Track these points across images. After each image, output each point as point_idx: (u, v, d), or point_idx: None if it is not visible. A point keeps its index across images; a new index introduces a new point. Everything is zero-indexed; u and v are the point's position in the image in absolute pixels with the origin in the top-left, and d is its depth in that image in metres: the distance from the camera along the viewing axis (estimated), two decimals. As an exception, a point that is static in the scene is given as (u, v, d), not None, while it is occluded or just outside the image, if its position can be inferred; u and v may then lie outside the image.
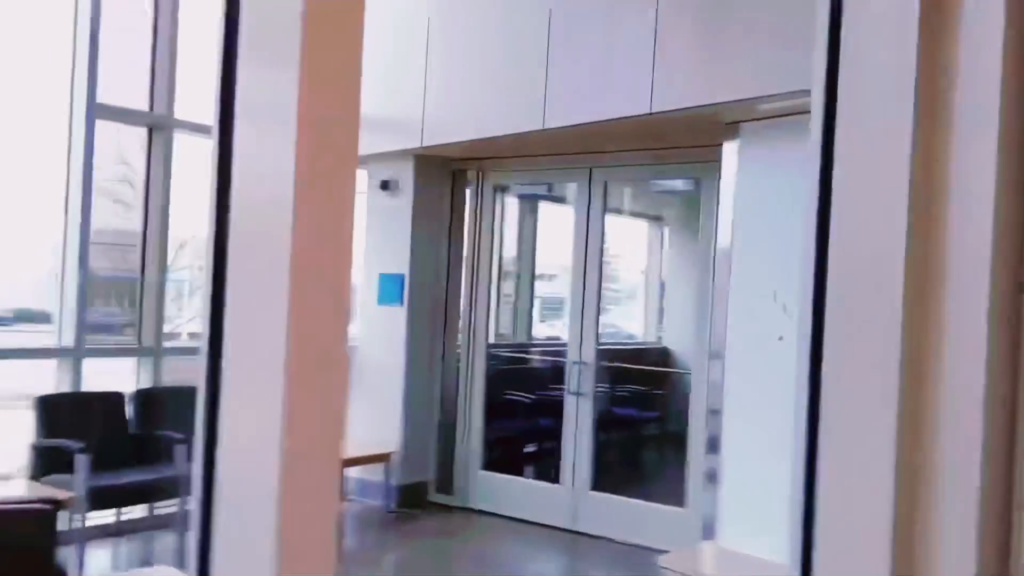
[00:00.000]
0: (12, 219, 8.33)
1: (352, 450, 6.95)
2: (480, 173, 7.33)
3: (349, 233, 1.17)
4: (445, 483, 7.29)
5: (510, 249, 8.01)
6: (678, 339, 7.75)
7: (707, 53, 5.09)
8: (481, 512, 7.03)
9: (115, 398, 5.84)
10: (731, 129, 5.39)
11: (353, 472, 7.19)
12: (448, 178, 7.39)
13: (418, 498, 7.19)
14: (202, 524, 1.40)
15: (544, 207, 8.52)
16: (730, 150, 5.46)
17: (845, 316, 1.63)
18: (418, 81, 6.79)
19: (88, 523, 5.25)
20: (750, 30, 4.82)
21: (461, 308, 7.36)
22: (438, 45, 6.72)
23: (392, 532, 6.75)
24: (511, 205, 8.01)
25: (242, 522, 1.37)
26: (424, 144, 6.84)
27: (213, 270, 1.28)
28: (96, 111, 5.85)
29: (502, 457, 7.40)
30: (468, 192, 7.40)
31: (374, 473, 7.09)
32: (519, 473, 7.26)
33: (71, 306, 5.81)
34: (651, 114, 5.36)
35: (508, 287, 8.04)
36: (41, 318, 7.20)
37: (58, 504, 2.94)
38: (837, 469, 1.65)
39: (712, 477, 5.41)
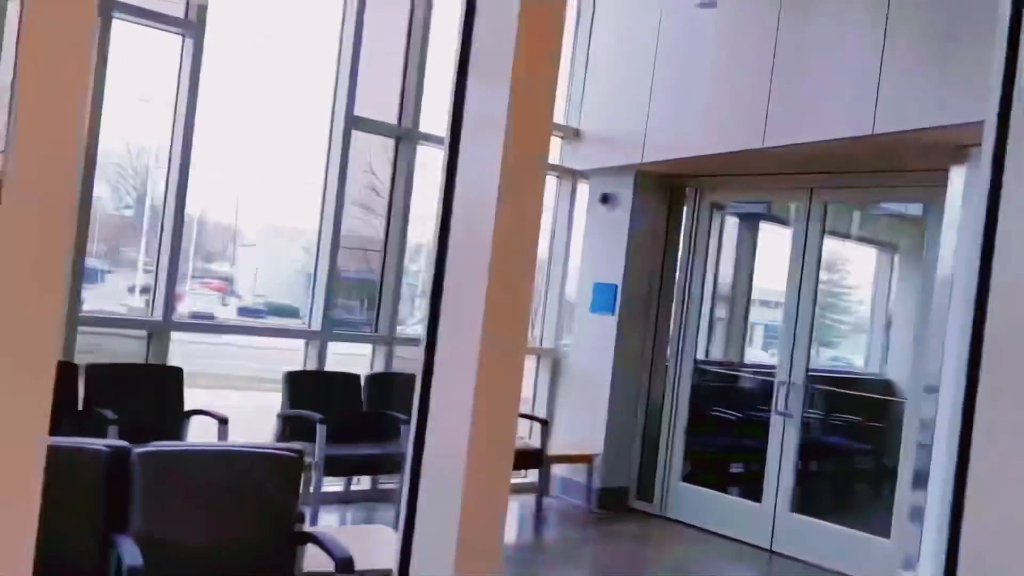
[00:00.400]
0: (271, 224, 9.41)
1: (557, 448, 7.32)
2: (698, 190, 7.47)
3: (535, 237, 1.44)
4: (646, 490, 7.47)
5: (726, 267, 8.05)
6: (900, 371, 7.50)
7: (935, 73, 5.01)
8: (679, 522, 7.15)
9: (352, 379, 6.51)
10: (960, 153, 5.24)
11: (558, 470, 7.54)
12: (666, 194, 7.59)
13: (619, 502, 7.41)
14: (410, 494, 1.69)
15: (764, 228, 8.48)
16: (957, 175, 5.31)
17: (1001, 353, 1.71)
18: (643, 99, 7.05)
19: (322, 488, 5.90)
20: (982, 50, 4.70)
21: (672, 321, 7.53)
22: (664, 64, 6.94)
23: (591, 531, 7.02)
24: (729, 224, 8.06)
25: (438, 492, 1.65)
26: (644, 160, 7.08)
27: (435, 269, 1.58)
28: (353, 123, 6.56)
29: (703, 470, 7.47)
30: (685, 208, 7.56)
31: (577, 473, 7.40)
32: (720, 488, 7.30)
33: (319, 300, 6.54)
34: (873, 135, 5.32)
35: (722, 305, 8.08)
36: (289, 312, 8.11)
37: (302, 456, 3.46)
38: (983, 497, 1.73)
39: (918, 510, 5.27)
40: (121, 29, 5.75)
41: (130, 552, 2.88)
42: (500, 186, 1.31)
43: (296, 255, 8.57)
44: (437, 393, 1.66)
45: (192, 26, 5.91)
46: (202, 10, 5.96)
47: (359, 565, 3.68)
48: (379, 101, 6.90)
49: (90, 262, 8.32)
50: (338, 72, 6.60)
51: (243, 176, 8.11)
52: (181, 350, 6.25)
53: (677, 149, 6.79)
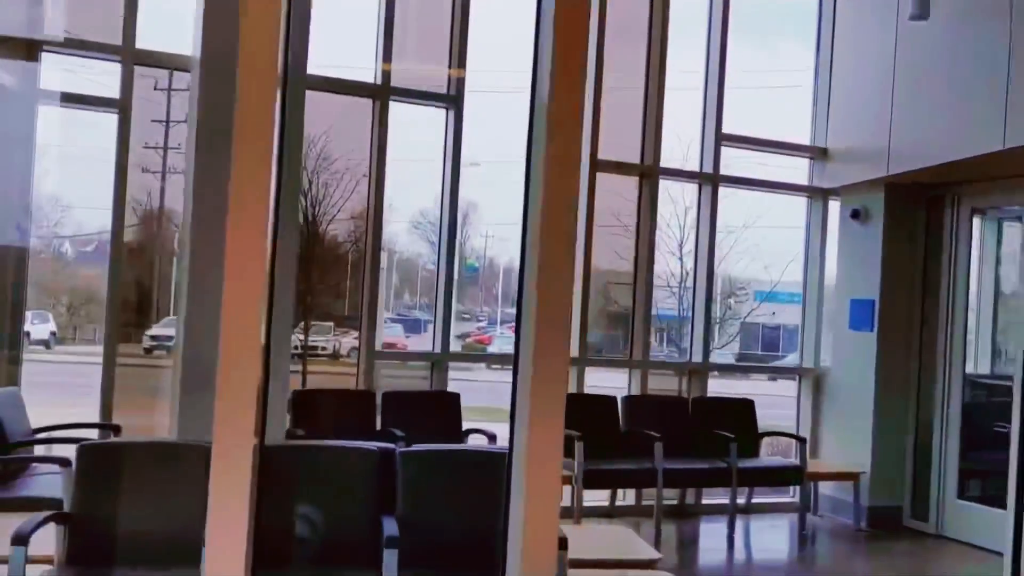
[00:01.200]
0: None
1: (821, 466, 7.36)
2: (956, 197, 7.23)
3: (571, 250, 1.86)
4: (920, 509, 7.25)
5: (1008, 276, 7.60)
6: None
7: None
8: (956, 541, 6.87)
9: (609, 400, 7.06)
10: None
11: (824, 489, 7.54)
12: (921, 205, 7.41)
13: (891, 521, 7.26)
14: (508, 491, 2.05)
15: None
16: None
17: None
18: (885, 112, 7.03)
19: (584, 501, 6.44)
20: None
21: (937, 335, 7.28)
22: (902, 76, 6.89)
23: (859, 548, 6.95)
24: (1007, 230, 7.64)
25: (517, 486, 1.99)
26: (890, 172, 7.03)
27: (519, 285, 1.99)
28: (596, 166, 7.19)
29: (984, 488, 7.11)
30: (944, 218, 7.32)
31: (846, 492, 7.35)
32: (1001, 504, 6.89)
33: (576, 326, 7.17)
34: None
35: (1005, 315, 7.63)
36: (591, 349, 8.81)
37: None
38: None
39: None
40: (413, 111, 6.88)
41: (391, 526, 3.62)
42: (541, 208, 1.79)
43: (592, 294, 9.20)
44: (519, 398, 2.02)
45: (453, 99, 6.86)
46: (460, 83, 6.90)
47: (589, 554, 4.21)
48: (622, 141, 7.46)
49: (415, 314, 9.63)
50: (582, 121, 7.26)
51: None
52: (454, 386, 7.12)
53: (920, 158, 6.71)
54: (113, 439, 5.05)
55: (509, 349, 10.66)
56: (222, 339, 1.70)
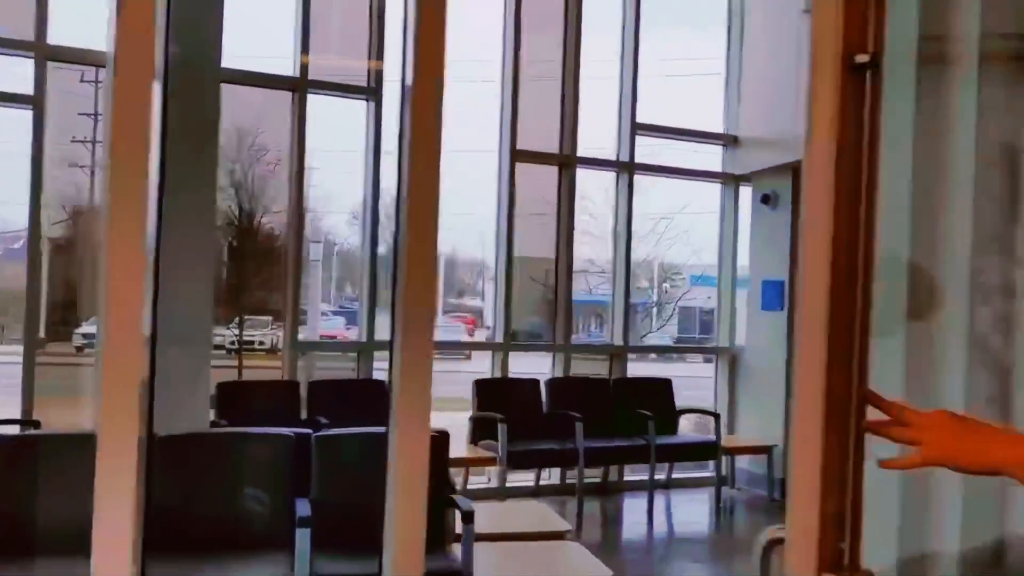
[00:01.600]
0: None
1: (737, 441, 7.68)
2: (858, 181, 7.56)
3: (434, 231, 2.01)
4: (830, 479, 7.60)
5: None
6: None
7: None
8: (862, 508, 7.24)
9: (532, 383, 7.26)
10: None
11: (740, 463, 7.86)
12: (827, 188, 7.74)
13: (803, 492, 7.59)
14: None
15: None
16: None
17: None
18: (790, 99, 7.31)
19: (507, 481, 6.65)
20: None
21: (845, 312, 7.63)
22: (805, 64, 7.18)
23: (773, 518, 7.23)
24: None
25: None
26: (797, 158, 7.30)
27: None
28: (516, 156, 7.37)
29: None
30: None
31: (759, 465, 7.67)
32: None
33: (500, 316, 7.38)
34: None
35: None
36: (534, 337, 9.00)
37: (446, 435, 4.23)
38: None
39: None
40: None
41: (304, 507, 3.76)
42: (407, 194, 1.94)
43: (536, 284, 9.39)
44: (392, 378, 2.16)
45: (373, 91, 6.97)
46: (379, 75, 7.01)
47: (502, 528, 4.41)
48: (543, 131, 7.65)
49: (357, 306, 9.68)
50: (501, 112, 7.45)
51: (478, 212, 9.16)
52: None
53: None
54: (28, 432, 5.09)
55: (448, 337, 10.84)
56: (103, 335, 1.80)
